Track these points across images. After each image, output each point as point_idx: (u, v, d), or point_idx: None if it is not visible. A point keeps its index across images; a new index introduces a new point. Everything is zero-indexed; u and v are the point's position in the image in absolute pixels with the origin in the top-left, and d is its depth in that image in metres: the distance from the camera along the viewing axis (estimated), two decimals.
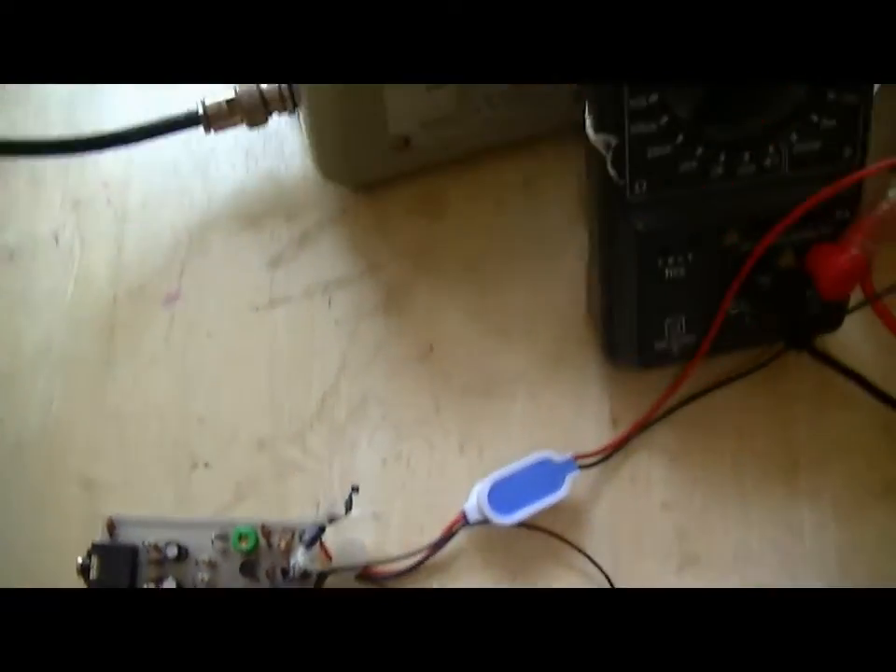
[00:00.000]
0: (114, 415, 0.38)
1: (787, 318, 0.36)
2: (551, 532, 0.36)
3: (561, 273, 0.40)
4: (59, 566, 0.35)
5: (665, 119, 0.31)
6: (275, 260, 0.41)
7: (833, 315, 0.37)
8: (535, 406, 0.38)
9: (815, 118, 0.32)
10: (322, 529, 0.35)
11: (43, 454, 0.38)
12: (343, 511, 0.35)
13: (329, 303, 0.40)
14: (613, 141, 0.31)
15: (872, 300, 0.34)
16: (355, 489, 0.35)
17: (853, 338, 0.38)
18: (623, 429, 0.37)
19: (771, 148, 0.33)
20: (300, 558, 0.34)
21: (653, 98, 0.30)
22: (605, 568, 0.35)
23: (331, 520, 0.35)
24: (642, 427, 0.37)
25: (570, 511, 0.36)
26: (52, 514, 0.37)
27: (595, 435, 0.37)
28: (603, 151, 0.31)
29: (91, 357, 0.40)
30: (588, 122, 0.31)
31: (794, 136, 0.33)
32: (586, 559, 0.35)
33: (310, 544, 0.34)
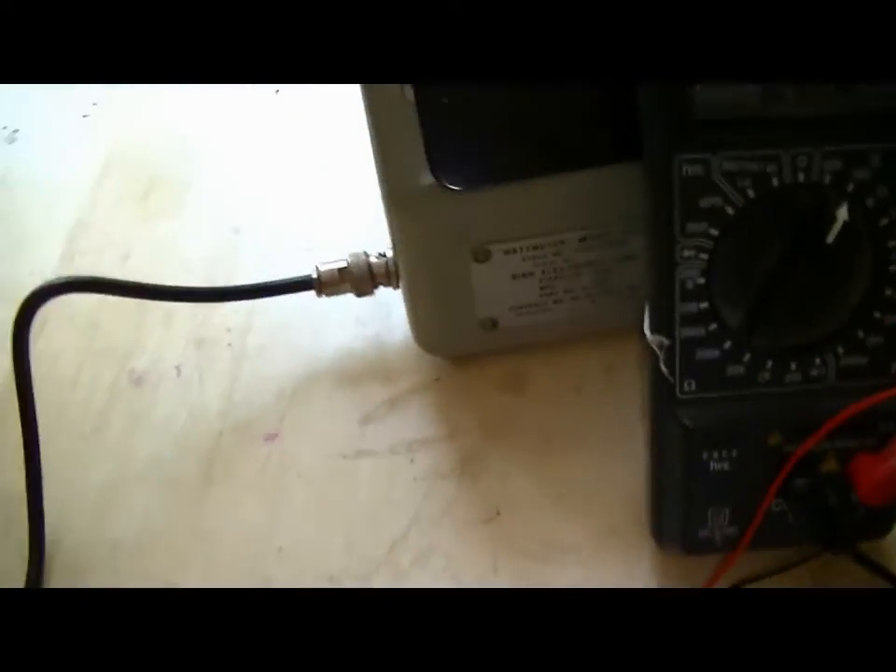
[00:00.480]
0: (204, 533, 0.50)
1: (829, 521, 0.43)
2: None
3: (628, 457, 0.49)
4: None
5: (713, 326, 0.41)
6: (367, 417, 0.53)
7: (881, 523, 0.44)
8: (584, 577, 0.47)
9: (861, 334, 0.41)
10: None
11: (134, 557, 0.49)
12: None
13: (411, 461, 0.51)
14: (666, 342, 0.41)
15: None
16: None
17: None
18: None
19: (818, 360, 0.42)
20: None
21: (704, 305, 0.41)
22: None
23: None
24: None
25: None
26: None
27: None
28: (657, 350, 0.42)
29: (192, 478, 0.51)
30: (645, 323, 0.42)
31: (841, 350, 0.41)
32: None
33: None
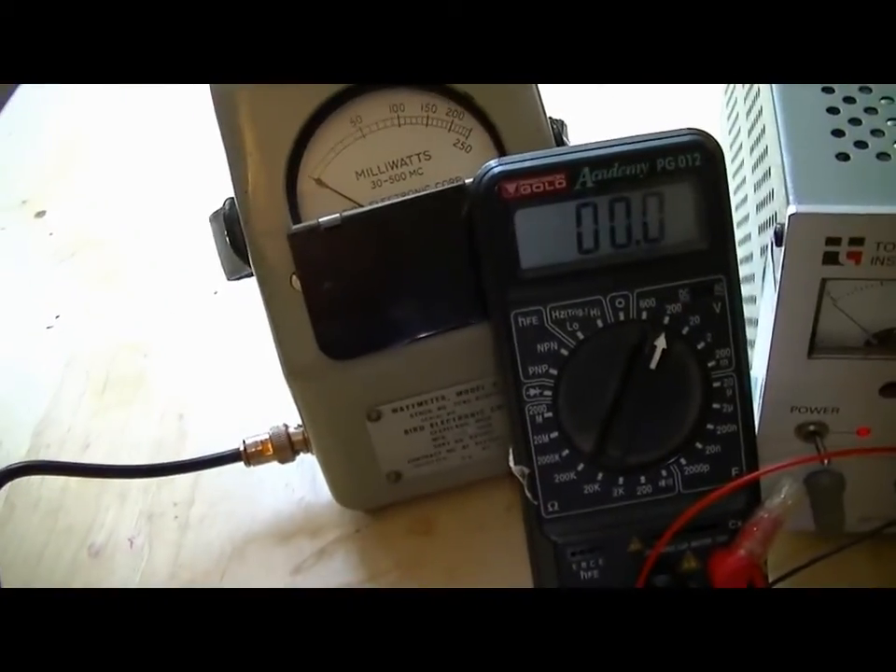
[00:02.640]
0: None
1: None
2: None
3: (525, 581, 0.54)
4: None
5: (566, 452, 0.47)
6: (297, 568, 0.59)
7: None
8: None
9: (700, 445, 0.47)
10: None
11: None
12: None
13: None
14: (526, 471, 0.48)
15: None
16: None
17: None
18: None
19: (664, 472, 0.48)
20: None
21: (554, 435, 0.47)
22: None
23: None
24: None
25: None
26: None
27: None
28: (521, 479, 0.48)
29: None
30: (510, 456, 0.49)
31: (684, 461, 0.48)
32: None
33: None
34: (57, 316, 0.80)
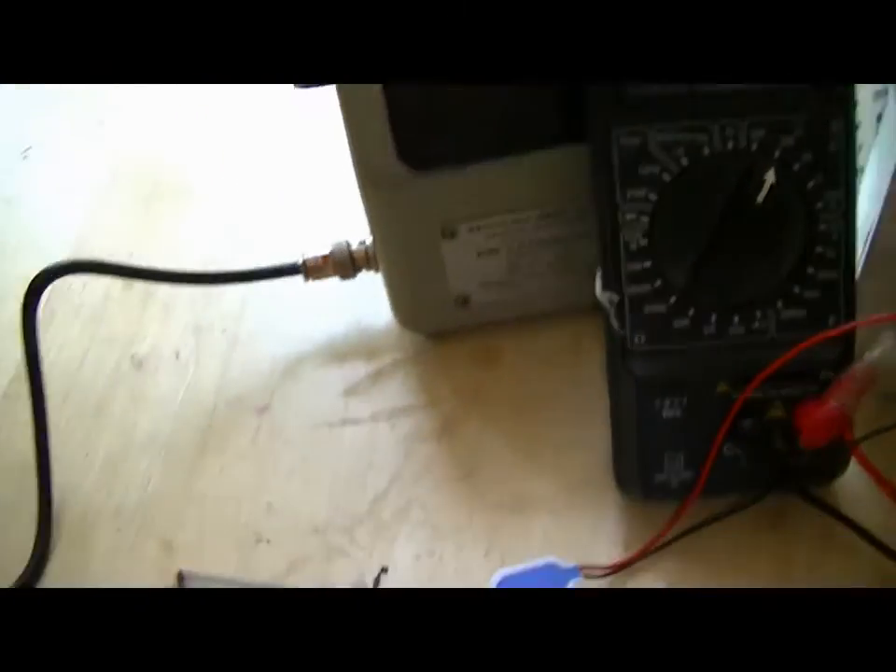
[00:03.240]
0: (199, 496, 0.53)
1: (777, 463, 0.47)
2: None
3: (596, 420, 0.52)
4: None
5: (658, 283, 0.44)
6: (351, 390, 0.56)
7: (831, 466, 0.47)
8: (555, 525, 0.50)
9: (798, 289, 0.44)
10: None
11: (135, 518, 0.52)
12: (370, 585, 0.47)
13: (392, 427, 0.54)
14: (615, 298, 0.45)
15: (852, 447, 0.44)
16: (384, 570, 0.47)
17: (856, 487, 0.48)
18: (630, 553, 0.48)
19: (759, 314, 0.45)
20: None
21: (647, 264, 0.44)
22: None
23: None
24: (645, 553, 0.48)
25: None
26: (134, 565, 0.51)
27: (607, 556, 0.48)
28: (607, 307, 0.45)
29: (189, 449, 0.55)
30: (597, 282, 0.45)
31: (780, 304, 0.45)
32: None
33: None
34: (101, 121, 0.75)
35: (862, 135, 0.48)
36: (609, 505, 0.50)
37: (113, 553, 0.52)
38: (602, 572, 0.48)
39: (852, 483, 0.48)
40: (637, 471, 0.48)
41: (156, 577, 0.50)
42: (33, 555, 0.50)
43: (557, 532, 0.50)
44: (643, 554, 0.48)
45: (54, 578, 0.51)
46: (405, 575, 0.49)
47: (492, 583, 0.46)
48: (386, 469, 0.53)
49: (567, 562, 0.47)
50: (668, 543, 0.48)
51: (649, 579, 0.48)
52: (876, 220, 0.45)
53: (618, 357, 0.46)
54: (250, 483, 0.53)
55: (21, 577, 0.50)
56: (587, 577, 0.47)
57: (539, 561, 0.47)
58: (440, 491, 0.52)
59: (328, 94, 0.46)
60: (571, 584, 0.47)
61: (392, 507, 0.51)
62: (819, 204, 0.44)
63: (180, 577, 0.49)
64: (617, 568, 0.48)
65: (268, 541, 0.51)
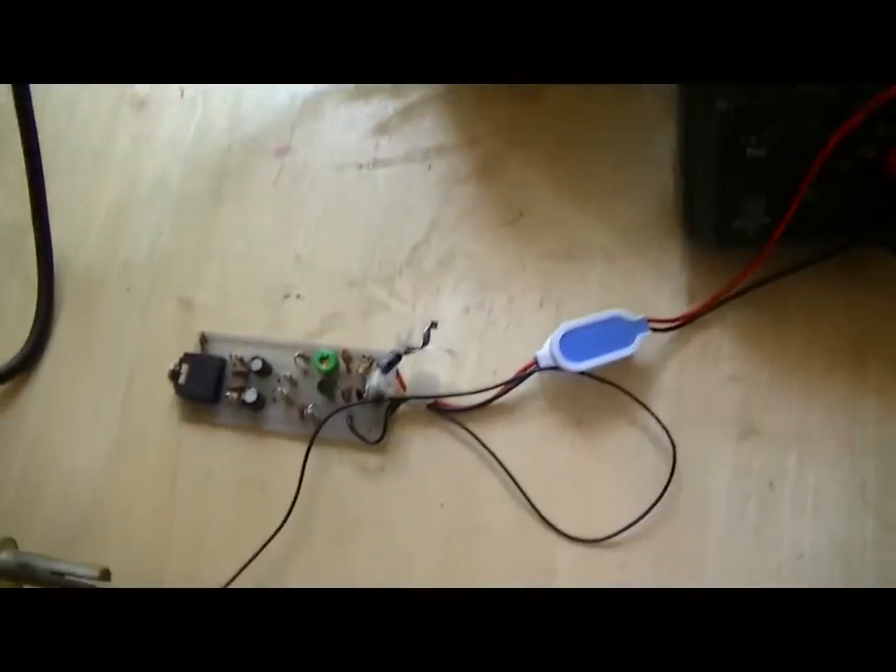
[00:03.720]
0: (218, 249, 0.47)
1: (865, 211, 0.41)
2: (618, 386, 0.42)
3: (649, 161, 0.46)
4: (154, 370, 0.44)
5: None
6: (381, 128, 0.50)
7: None
8: (613, 272, 0.45)
9: None
10: (398, 356, 0.43)
11: (148, 275, 0.47)
12: (419, 343, 0.42)
13: (428, 168, 0.48)
14: None
15: None
16: (433, 325, 0.42)
17: None
18: (697, 303, 0.44)
19: None
20: (375, 381, 0.42)
21: None
22: (667, 427, 0.42)
23: (408, 350, 0.42)
24: (715, 303, 0.44)
25: (639, 372, 0.43)
26: (152, 326, 0.46)
27: (670, 306, 0.44)
28: None
29: (202, 196, 0.49)
30: None
31: None
32: (649, 416, 0.42)
33: (386, 369, 0.43)
34: None
35: None
36: (670, 253, 0.45)
37: (124, 315, 0.47)
38: (669, 324, 0.43)
39: None
40: (713, 217, 0.42)
41: (174, 340, 0.46)
42: (34, 326, 0.46)
43: (615, 281, 0.45)
44: (712, 305, 0.44)
45: (59, 351, 0.47)
46: (454, 330, 0.44)
47: (554, 338, 0.42)
48: (424, 214, 0.47)
49: (632, 314, 0.42)
50: (738, 294, 0.43)
51: (716, 332, 0.44)
52: None
53: (699, 91, 0.39)
54: (273, 233, 0.48)
55: (22, 350, 0.45)
56: (654, 330, 0.43)
57: (604, 313, 0.43)
58: (483, 238, 0.46)
59: None
60: (638, 338, 0.42)
61: (434, 256, 0.46)
62: None
63: (203, 339, 0.45)
64: (684, 320, 0.43)
65: (298, 297, 0.46)
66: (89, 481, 0.44)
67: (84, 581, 0.38)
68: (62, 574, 0.38)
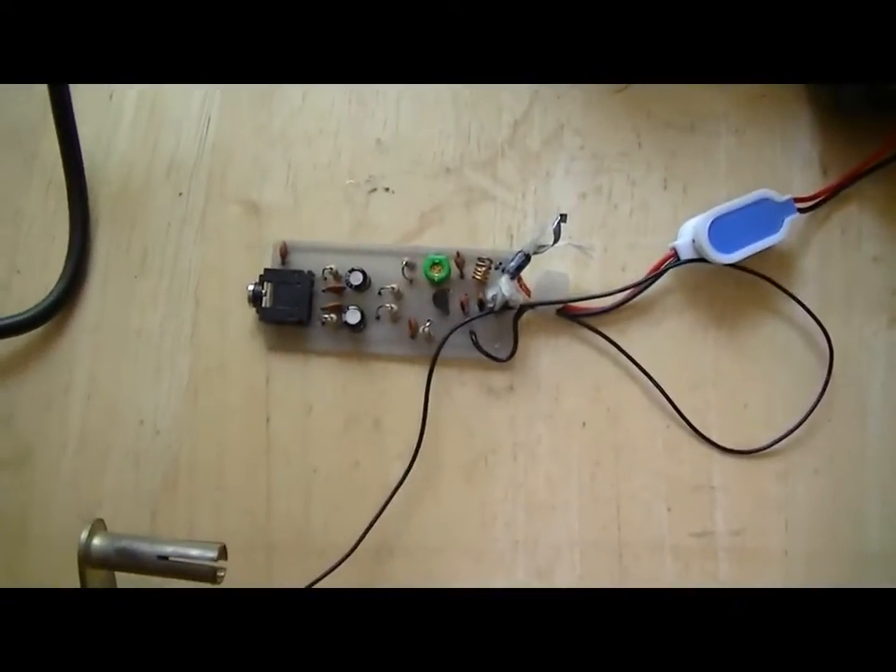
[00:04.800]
0: (279, 137, 0.39)
1: None
2: (761, 275, 0.37)
3: None
4: (225, 292, 0.37)
5: None
6: None
7: None
8: (740, 145, 0.39)
9: None
10: (527, 258, 0.36)
11: (200, 175, 0.39)
12: (550, 240, 0.36)
13: None
14: None
15: None
16: (563, 217, 0.36)
17: None
18: (833, 178, 0.39)
19: None
20: (504, 288, 0.36)
21: None
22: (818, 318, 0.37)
23: (538, 249, 0.36)
24: (854, 177, 0.39)
25: (780, 258, 0.38)
26: (214, 238, 0.38)
27: (804, 181, 0.39)
28: None
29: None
30: None
31: None
32: (795, 305, 0.37)
33: (515, 273, 0.36)
34: None
35: None
36: (799, 122, 0.40)
37: (178, 226, 0.39)
38: (811, 202, 0.38)
39: None
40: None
41: (244, 253, 0.39)
42: (70, 248, 0.38)
43: (744, 154, 0.39)
44: (852, 179, 0.39)
45: (103, 276, 0.39)
46: (571, 221, 0.38)
47: (700, 227, 0.36)
48: (521, 84, 0.40)
49: (778, 194, 0.37)
50: (876, 167, 0.39)
51: (854, 209, 0.39)
52: None
53: None
54: (345, 114, 0.40)
55: (61, 279, 0.37)
56: (800, 210, 0.38)
57: (748, 196, 0.37)
58: (591, 109, 0.40)
59: None
60: (787, 222, 0.37)
61: (538, 132, 0.39)
62: None
63: (284, 250, 0.37)
64: (825, 195, 0.39)
65: (387, 190, 0.38)
66: (163, 433, 0.37)
67: (199, 563, 0.31)
68: (170, 558, 0.31)
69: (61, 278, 0.37)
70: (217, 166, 0.39)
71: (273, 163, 0.39)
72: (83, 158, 0.37)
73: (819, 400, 0.37)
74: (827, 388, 0.37)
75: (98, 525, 0.32)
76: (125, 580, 0.33)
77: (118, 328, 0.38)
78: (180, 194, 0.39)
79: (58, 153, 0.37)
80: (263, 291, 0.37)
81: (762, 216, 0.37)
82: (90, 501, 0.36)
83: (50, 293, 0.37)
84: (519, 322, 0.37)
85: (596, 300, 0.37)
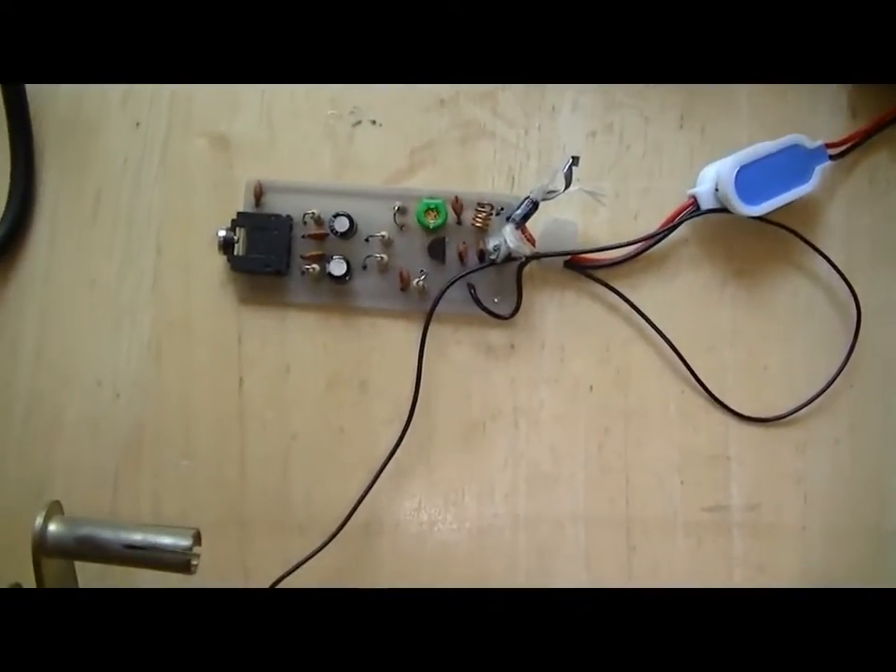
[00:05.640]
0: None
1: None
2: (786, 227, 0.34)
3: None
4: (191, 237, 0.33)
5: None
6: None
7: None
8: (762, 85, 0.35)
9: None
10: (536, 205, 0.32)
11: (161, 104, 0.34)
12: (561, 185, 0.32)
13: None
14: None
15: None
16: (574, 160, 0.32)
17: None
18: (863, 122, 0.35)
19: None
20: (508, 238, 0.32)
21: None
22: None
23: (546, 195, 0.32)
24: (885, 122, 0.35)
25: (804, 208, 0.34)
26: (178, 175, 0.34)
27: (830, 125, 0.35)
28: None
29: None
30: None
31: None
32: (819, 260, 0.34)
33: (521, 222, 0.32)
34: None
35: None
36: None
37: (137, 162, 0.34)
38: (841, 148, 0.35)
39: None
40: None
41: (212, 193, 0.35)
42: (12, 185, 0.33)
43: (766, 94, 0.35)
44: (879, 125, 0.36)
45: (51, 219, 0.34)
46: (582, 164, 0.33)
47: (725, 174, 0.32)
48: None
49: (810, 140, 0.33)
50: None
51: (883, 157, 0.36)
52: None
53: None
54: None
55: (2, 221, 0.32)
56: (831, 158, 0.34)
57: (778, 141, 0.34)
58: None
59: None
60: (818, 170, 0.33)
61: None
62: None
63: (258, 191, 0.33)
64: (854, 141, 0.35)
65: (373, 122, 0.34)
66: (123, 396, 0.33)
67: (172, 553, 0.27)
68: (139, 547, 0.27)
69: (1, 222, 0.32)
70: (181, 93, 0.34)
71: (244, 90, 0.34)
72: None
73: (844, 365, 0.34)
74: (853, 352, 0.34)
75: (54, 508, 0.28)
76: (86, 570, 0.28)
77: (69, 278, 0.33)
78: (137, 125, 0.34)
79: None
80: (236, 237, 0.32)
81: (791, 163, 0.34)
82: (41, 474, 0.32)
83: None
84: (523, 272, 0.33)
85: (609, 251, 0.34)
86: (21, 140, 0.32)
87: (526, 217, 0.32)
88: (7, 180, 0.32)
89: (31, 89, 0.33)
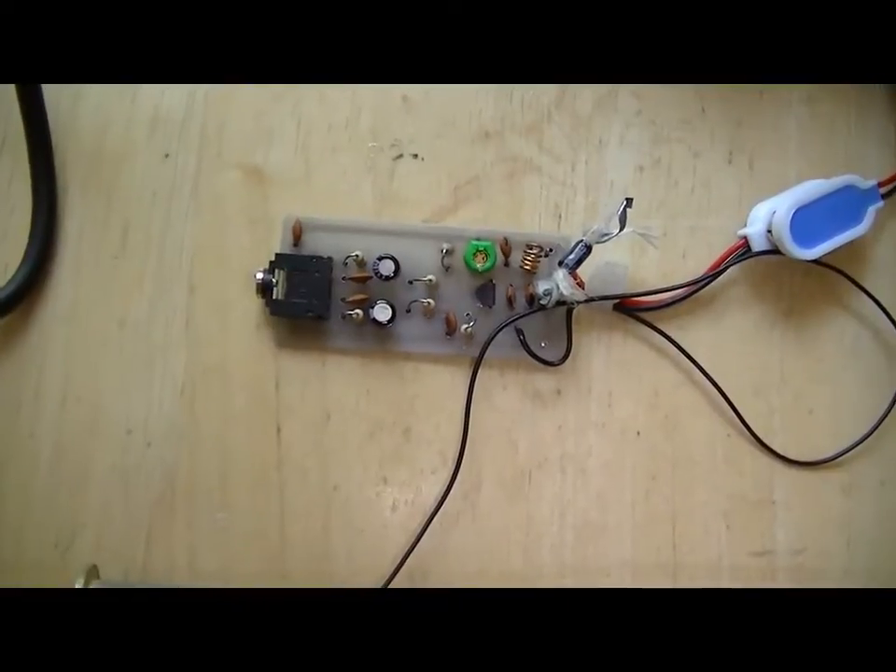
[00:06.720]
0: (287, 88, 0.32)
1: None
2: (834, 268, 0.33)
3: None
4: (226, 277, 0.31)
5: None
6: None
7: None
8: (812, 115, 0.34)
9: None
10: (589, 249, 0.31)
11: (190, 134, 0.31)
12: (616, 228, 0.30)
13: None
14: None
15: None
16: (629, 202, 0.31)
17: None
18: None
19: None
20: (561, 283, 0.30)
21: None
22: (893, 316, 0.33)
23: (602, 238, 0.30)
24: None
25: (851, 247, 0.33)
26: (210, 210, 0.31)
27: (878, 160, 0.34)
28: None
29: None
30: None
31: None
32: (866, 300, 0.33)
33: (574, 267, 0.31)
34: None
35: None
36: (875, 96, 0.35)
37: (167, 195, 0.32)
38: (892, 185, 0.33)
39: None
40: None
41: (247, 230, 0.32)
42: (34, 221, 0.30)
43: (814, 128, 0.34)
44: None
45: (75, 257, 0.31)
46: (633, 196, 0.32)
47: (781, 218, 0.31)
48: None
49: (863, 179, 0.32)
50: None
51: None
52: None
53: None
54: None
55: (24, 261, 0.29)
56: (884, 196, 0.33)
57: (833, 182, 0.32)
58: None
59: None
60: (870, 211, 0.32)
61: (589, 94, 0.33)
62: None
63: (297, 230, 0.31)
64: None
65: (415, 156, 0.32)
66: (155, 444, 0.31)
67: None
68: None
69: (24, 259, 0.30)
70: (212, 122, 0.32)
71: (280, 121, 0.32)
72: (46, 108, 0.30)
73: (891, 408, 0.33)
74: None
75: (92, 574, 0.26)
76: None
77: (96, 318, 0.31)
78: (167, 156, 0.32)
79: (14, 100, 0.29)
80: (274, 280, 0.30)
81: (844, 204, 0.33)
82: (69, 526, 0.30)
83: (12, 278, 0.29)
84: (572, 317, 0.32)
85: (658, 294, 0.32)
86: (44, 172, 0.30)
87: (580, 262, 0.31)
88: (29, 215, 0.30)
89: (53, 118, 0.30)
